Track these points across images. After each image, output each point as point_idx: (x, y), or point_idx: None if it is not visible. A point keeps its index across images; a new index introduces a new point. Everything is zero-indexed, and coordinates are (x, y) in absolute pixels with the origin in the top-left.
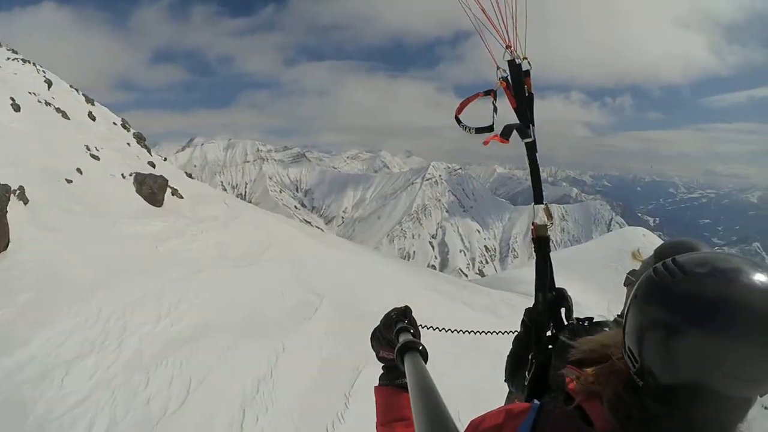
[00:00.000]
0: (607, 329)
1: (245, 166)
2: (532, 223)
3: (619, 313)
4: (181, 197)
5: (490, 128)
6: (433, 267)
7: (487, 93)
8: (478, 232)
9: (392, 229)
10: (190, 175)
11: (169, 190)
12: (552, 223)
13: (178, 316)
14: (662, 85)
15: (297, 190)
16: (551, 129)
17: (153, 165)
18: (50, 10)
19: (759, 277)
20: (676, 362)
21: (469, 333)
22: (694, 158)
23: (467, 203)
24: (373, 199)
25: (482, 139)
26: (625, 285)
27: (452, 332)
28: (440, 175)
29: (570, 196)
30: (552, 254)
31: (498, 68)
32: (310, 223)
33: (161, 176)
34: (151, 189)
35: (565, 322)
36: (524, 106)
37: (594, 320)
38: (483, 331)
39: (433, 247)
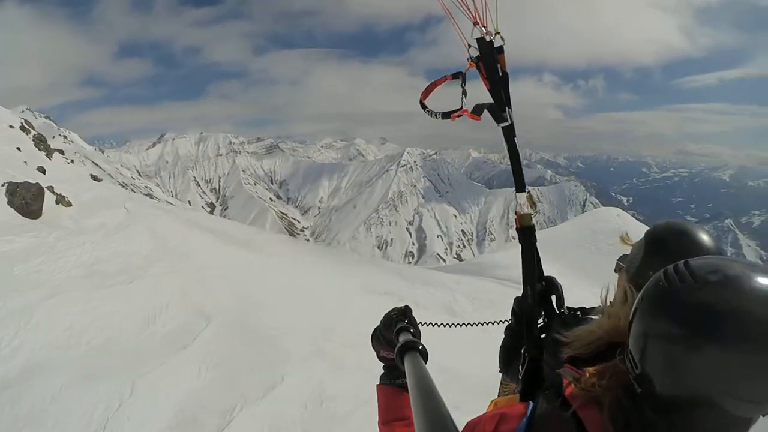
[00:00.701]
0: (597, 317)
1: (218, 159)
2: (516, 213)
3: (611, 301)
4: (69, 205)
5: (458, 110)
6: (411, 254)
7: (455, 76)
8: (455, 216)
9: (369, 218)
10: (95, 178)
11: (53, 198)
12: (536, 212)
13: (7, 354)
14: (635, 67)
15: (271, 182)
16: (524, 112)
17: (43, 170)
18: (11, 8)
19: None
20: (680, 374)
21: (465, 326)
22: (666, 138)
23: (443, 188)
24: (348, 187)
25: (456, 124)
26: (615, 271)
27: (448, 326)
28: (415, 161)
29: (545, 178)
30: None
31: (469, 47)
32: (286, 215)
33: (36, 184)
34: (24, 199)
35: (557, 311)
36: (498, 87)
37: (586, 308)
38: (480, 323)
39: (410, 233)
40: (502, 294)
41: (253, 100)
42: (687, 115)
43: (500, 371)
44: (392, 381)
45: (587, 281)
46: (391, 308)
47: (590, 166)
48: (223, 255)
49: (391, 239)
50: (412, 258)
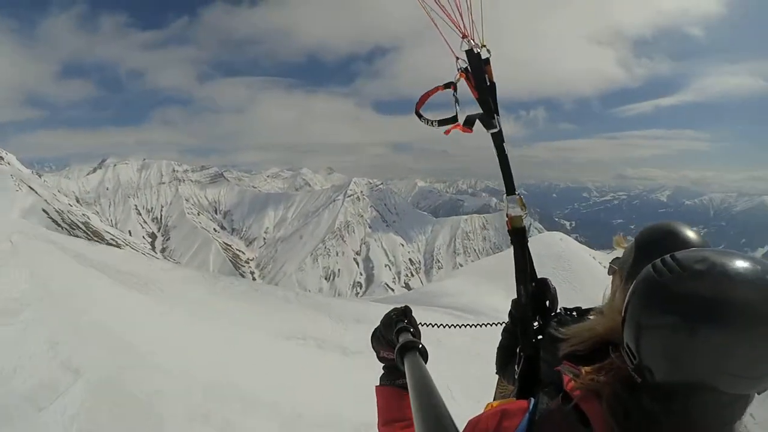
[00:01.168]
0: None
1: (160, 187)
2: (507, 215)
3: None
4: None
5: (453, 119)
6: (359, 284)
7: (447, 86)
8: (402, 245)
9: (315, 248)
10: None
11: None
12: (526, 213)
13: None
14: (574, 98)
15: (216, 212)
16: (469, 142)
17: None
18: None
19: (758, 273)
20: (677, 360)
21: (466, 326)
22: (605, 164)
23: (390, 218)
24: (294, 218)
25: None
26: (609, 273)
27: (449, 327)
28: (362, 191)
29: (490, 205)
30: (474, 264)
31: (457, 59)
32: (230, 246)
33: None
34: None
35: (550, 313)
36: (486, 95)
37: (582, 309)
38: (480, 324)
39: (357, 263)
40: (449, 330)
41: (197, 127)
42: (624, 142)
43: (497, 372)
44: (392, 382)
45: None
46: (391, 308)
47: (533, 193)
48: (110, 298)
49: (339, 270)
50: (360, 288)
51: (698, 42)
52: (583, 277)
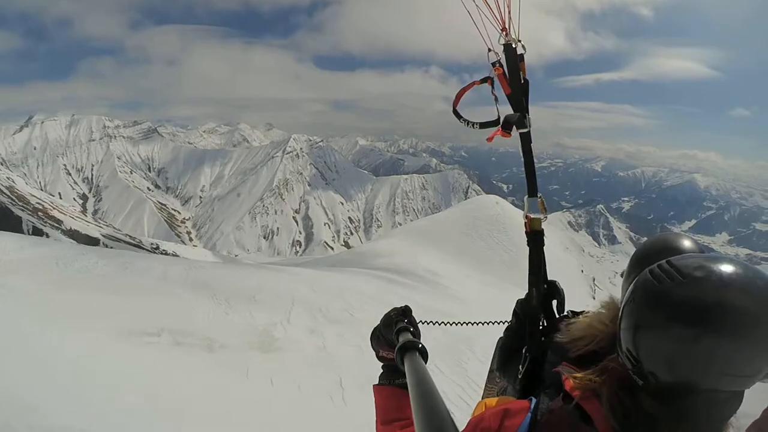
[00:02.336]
0: None
1: (90, 145)
2: (526, 216)
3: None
4: None
5: (496, 122)
6: (299, 242)
7: (483, 81)
8: (342, 204)
9: (254, 206)
10: None
11: None
12: (546, 217)
13: None
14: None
15: (149, 170)
16: (411, 103)
17: None
18: None
19: (750, 278)
20: (678, 364)
21: (468, 324)
22: (544, 132)
23: (330, 176)
24: (232, 175)
25: (484, 134)
26: (621, 276)
27: (448, 324)
28: (301, 148)
29: (430, 166)
30: (409, 225)
31: (489, 51)
32: (165, 205)
33: None
34: None
35: (557, 315)
36: (519, 93)
37: (589, 312)
38: (482, 322)
39: (297, 222)
40: (369, 301)
41: (129, 80)
42: (564, 112)
43: (495, 370)
44: (392, 381)
45: (468, 265)
46: (391, 308)
47: (473, 156)
48: None
49: (278, 228)
50: (300, 246)
51: (646, 22)
52: (518, 240)
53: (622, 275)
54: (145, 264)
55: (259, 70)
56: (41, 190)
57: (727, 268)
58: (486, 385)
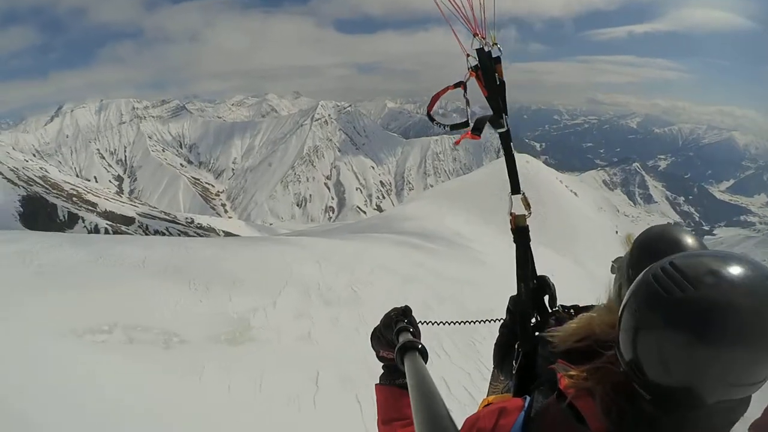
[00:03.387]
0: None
1: (121, 127)
2: (510, 214)
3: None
4: None
5: (465, 123)
6: (331, 208)
7: (457, 85)
8: (373, 168)
9: (285, 175)
10: None
11: None
12: (530, 213)
13: None
14: (546, 19)
15: (181, 147)
16: (437, 61)
17: None
18: None
19: (764, 283)
20: (679, 371)
21: (467, 323)
22: (576, 88)
23: (359, 140)
24: (262, 145)
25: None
26: (611, 272)
27: (450, 324)
28: (329, 115)
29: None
30: (438, 186)
31: (467, 56)
32: (199, 180)
33: None
34: None
35: (549, 310)
36: (496, 95)
37: (579, 306)
38: (482, 320)
39: (328, 188)
40: (380, 273)
41: (152, 60)
42: (596, 67)
43: (495, 367)
44: (392, 381)
45: (497, 227)
46: (391, 308)
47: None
48: None
49: (310, 195)
50: (333, 212)
51: None
52: (548, 201)
53: (612, 271)
54: (124, 250)
55: (281, 39)
56: (77, 176)
57: (737, 273)
58: (491, 383)
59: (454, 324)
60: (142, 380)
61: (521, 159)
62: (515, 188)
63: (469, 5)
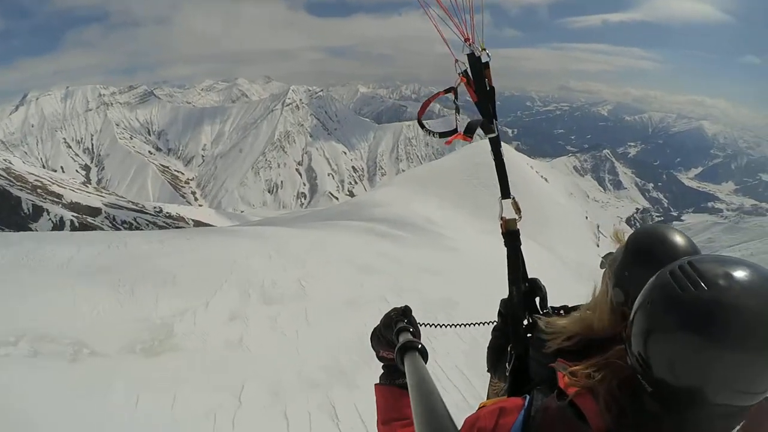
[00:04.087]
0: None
1: (88, 115)
2: (501, 218)
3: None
4: None
5: (454, 131)
6: (303, 194)
7: (447, 91)
8: (345, 153)
9: (256, 161)
10: None
11: None
12: (520, 217)
13: None
14: (521, 4)
15: (149, 134)
16: (412, 46)
17: None
18: None
19: None
20: (689, 373)
21: (466, 326)
22: (550, 75)
23: (331, 126)
24: (232, 131)
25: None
26: (601, 267)
27: (449, 327)
28: (301, 99)
29: (433, 111)
30: (408, 172)
31: (456, 62)
32: (168, 168)
33: None
34: None
35: (540, 312)
36: (486, 100)
37: (568, 307)
38: (480, 323)
39: (300, 174)
40: (337, 265)
41: (119, 45)
42: (570, 54)
43: (488, 371)
44: (392, 381)
45: (468, 212)
46: (391, 308)
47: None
48: None
49: (282, 182)
50: (304, 198)
51: None
52: (519, 186)
53: (602, 266)
54: (52, 250)
55: (252, 22)
56: (43, 166)
57: (751, 278)
58: (490, 387)
59: (453, 327)
60: (44, 398)
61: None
62: (505, 192)
63: (458, 11)
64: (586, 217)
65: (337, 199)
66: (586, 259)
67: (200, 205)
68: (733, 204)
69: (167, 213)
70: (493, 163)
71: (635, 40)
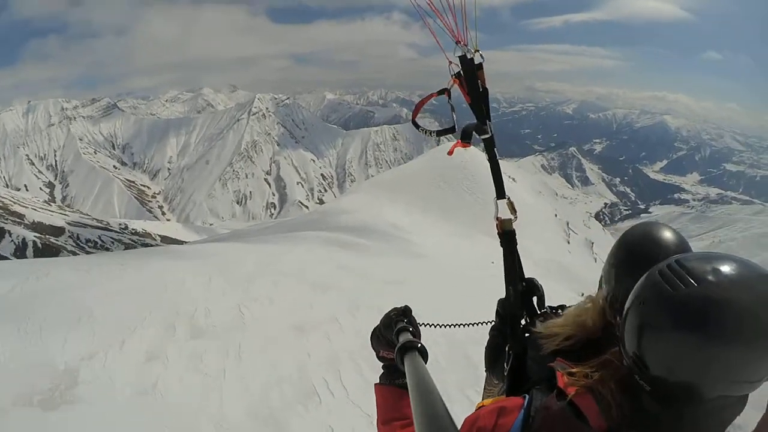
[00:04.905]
0: None
1: (50, 130)
2: (497, 218)
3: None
4: None
5: (451, 129)
6: (273, 204)
7: (440, 92)
8: (313, 161)
9: (224, 172)
10: None
11: None
12: (516, 218)
13: None
14: (484, 7)
15: (113, 147)
16: (376, 51)
17: None
18: None
19: (765, 281)
20: (684, 368)
21: (465, 326)
22: (514, 76)
23: (298, 134)
24: (198, 143)
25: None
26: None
27: (449, 327)
28: (267, 108)
29: (400, 116)
30: (378, 177)
31: (450, 64)
32: (134, 182)
33: None
34: None
35: (538, 311)
36: (479, 101)
37: (566, 306)
38: (479, 322)
39: (269, 183)
40: (288, 285)
41: (79, 56)
42: (534, 55)
43: (486, 371)
44: (392, 381)
45: (436, 216)
46: (391, 308)
47: (444, 103)
48: None
49: (250, 192)
50: (274, 209)
51: None
52: (485, 186)
53: (597, 255)
54: None
55: (213, 30)
56: (6, 185)
57: (739, 272)
58: (485, 387)
59: (457, 326)
60: None
61: (458, 147)
62: (500, 193)
63: (450, 12)
64: (556, 215)
65: (307, 207)
66: (555, 256)
67: (168, 220)
68: (698, 194)
69: (133, 230)
70: (488, 164)
71: (598, 40)
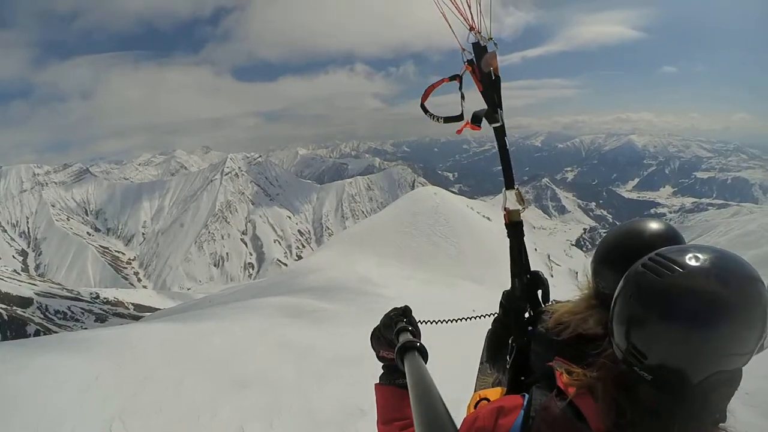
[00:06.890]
0: None
1: (22, 196)
2: (504, 208)
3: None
4: None
5: (459, 117)
6: (251, 264)
7: (452, 78)
8: (289, 218)
9: (199, 234)
10: None
11: None
12: (525, 207)
13: None
14: (442, 51)
15: (87, 213)
16: (344, 103)
17: None
18: None
19: (741, 264)
20: (679, 352)
21: (467, 320)
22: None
23: (272, 191)
24: (173, 205)
25: (452, 128)
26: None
27: (448, 322)
28: (240, 167)
29: (374, 166)
30: (348, 231)
31: (462, 50)
32: (108, 248)
33: None
34: None
35: (542, 305)
36: (491, 89)
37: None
38: (480, 316)
39: (245, 243)
40: (194, 378)
41: (48, 121)
42: None
43: (485, 362)
44: (392, 381)
45: (410, 265)
46: (391, 308)
47: (416, 150)
48: None
49: (227, 253)
50: (252, 269)
51: None
52: (459, 229)
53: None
54: None
55: (181, 91)
56: None
57: (716, 256)
58: (478, 377)
59: (458, 321)
60: None
61: (429, 191)
62: (509, 183)
63: (466, 1)
64: (536, 249)
65: (285, 265)
66: None
67: (144, 286)
68: (674, 206)
69: (104, 298)
70: (499, 158)
71: (557, 71)
